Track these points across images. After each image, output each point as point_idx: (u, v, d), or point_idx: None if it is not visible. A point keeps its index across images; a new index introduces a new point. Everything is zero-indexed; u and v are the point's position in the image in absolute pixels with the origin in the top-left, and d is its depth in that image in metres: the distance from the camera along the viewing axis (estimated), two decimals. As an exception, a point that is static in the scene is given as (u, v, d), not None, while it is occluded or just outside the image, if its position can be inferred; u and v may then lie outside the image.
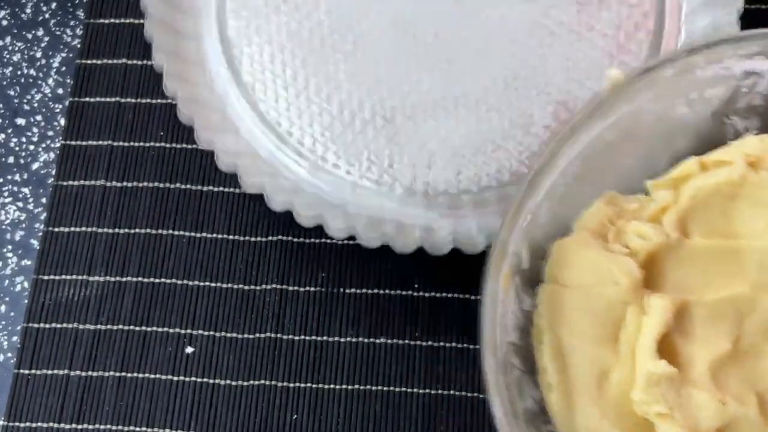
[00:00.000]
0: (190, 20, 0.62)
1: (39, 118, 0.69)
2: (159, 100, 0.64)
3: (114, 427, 0.59)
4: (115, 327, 0.62)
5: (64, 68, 0.70)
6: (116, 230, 0.64)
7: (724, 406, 0.37)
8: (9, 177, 0.67)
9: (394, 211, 0.56)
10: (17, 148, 0.68)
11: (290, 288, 0.62)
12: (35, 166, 0.67)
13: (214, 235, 0.64)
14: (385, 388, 0.59)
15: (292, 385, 0.60)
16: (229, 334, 0.61)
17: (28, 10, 0.72)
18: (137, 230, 0.64)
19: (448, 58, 0.57)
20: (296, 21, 0.59)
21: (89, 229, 0.64)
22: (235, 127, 0.59)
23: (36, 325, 0.61)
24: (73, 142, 0.66)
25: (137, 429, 0.59)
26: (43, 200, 0.66)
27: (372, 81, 0.58)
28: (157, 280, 0.63)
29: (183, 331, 0.61)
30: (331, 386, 0.59)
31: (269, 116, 0.59)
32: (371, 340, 0.60)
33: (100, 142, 0.67)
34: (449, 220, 0.56)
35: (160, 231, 0.64)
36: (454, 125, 0.57)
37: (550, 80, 0.57)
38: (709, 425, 0.38)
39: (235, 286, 0.62)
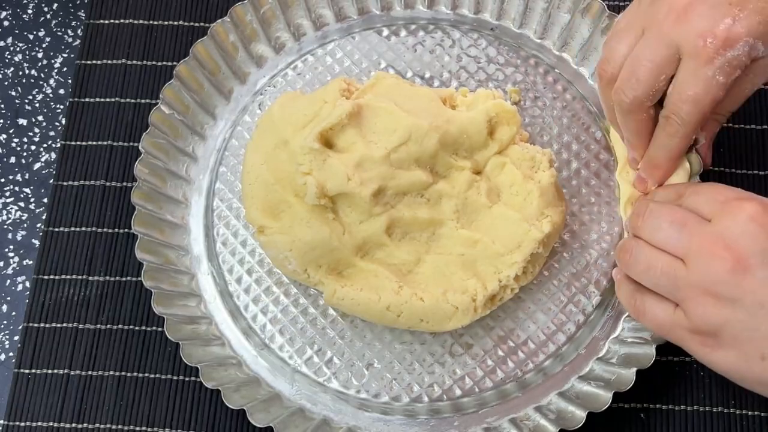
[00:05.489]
0: (180, 190, 0.64)
1: (41, 118, 0.69)
2: (158, 101, 0.64)
3: (114, 427, 0.59)
4: (115, 327, 0.62)
5: (65, 69, 0.70)
6: (116, 230, 0.64)
7: (349, 181, 0.55)
8: (11, 177, 0.67)
9: (326, 406, 0.58)
10: (19, 148, 0.68)
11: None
12: (37, 166, 0.67)
13: (214, 235, 0.64)
14: None
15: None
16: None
17: (30, 11, 0.72)
18: (137, 230, 0.64)
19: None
20: None
21: (89, 229, 0.64)
22: (197, 295, 0.62)
23: (36, 325, 0.62)
24: (73, 142, 0.67)
25: (137, 429, 0.59)
26: (45, 200, 0.66)
27: None
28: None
29: (182, 331, 0.61)
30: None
31: (231, 288, 0.61)
32: None
33: (100, 142, 0.67)
34: (378, 425, 0.58)
35: (159, 231, 0.64)
36: (398, 332, 0.59)
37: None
38: (332, 187, 0.55)
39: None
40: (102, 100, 0.68)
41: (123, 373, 0.60)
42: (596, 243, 0.61)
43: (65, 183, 0.65)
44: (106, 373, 0.60)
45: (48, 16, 0.72)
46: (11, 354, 0.62)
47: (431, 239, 0.58)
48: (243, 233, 0.62)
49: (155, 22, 0.70)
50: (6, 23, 0.72)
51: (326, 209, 0.57)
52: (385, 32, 0.68)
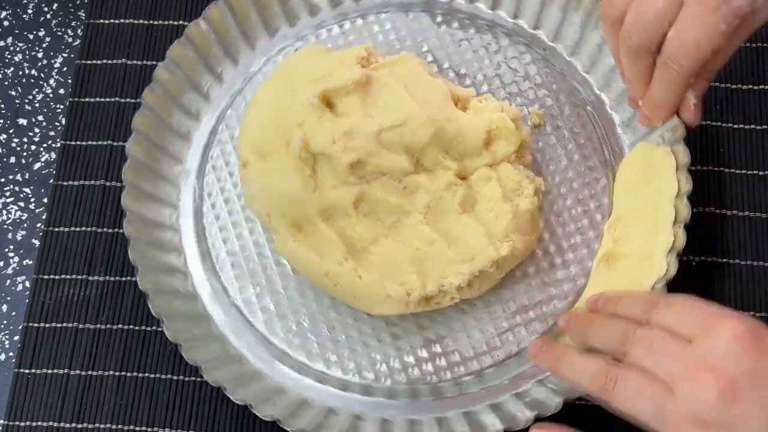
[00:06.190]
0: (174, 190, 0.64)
1: (41, 118, 0.69)
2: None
3: (114, 427, 0.59)
4: (115, 327, 0.62)
5: (65, 68, 0.70)
6: (116, 230, 0.64)
7: (333, 144, 0.56)
8: (11, 177, 0.67)
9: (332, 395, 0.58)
10: (19, 148, 0.68)
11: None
12: (37, 166, 0.67)
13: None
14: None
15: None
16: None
17: (30, 11, 0.72)
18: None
19: None
20: None
21: (89, 229, 0.64)
22: (195, 295, 0.61)
23: (36, 325, 0.62)
24: (73, 142, 0.67)
25: (137, 428, 0.59)
26: (45, 200, 0.66)
27: None
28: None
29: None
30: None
31: (230, 290, 0.61)
32: None
33: (100, 142, 0.67)
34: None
35: (159, 231, 0.64)
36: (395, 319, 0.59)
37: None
38: (316, 145, 0.57)
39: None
40: (102, 100, 0.68)
41: (123, 373, 0.60)
42: (559, 284, 0.60)
43: (65, 183, 0.65)
44: (106, 373, 0.60)
45: (48, 16, 0.72)
46: (11, 354, 0.62)
47: (394, 225, 0.59)
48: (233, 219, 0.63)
49: (155, 22, 0.70)
50: (6, 23, 0.72)
51: (307, 164, 0.58)
52: (439, 18, 0.67)
